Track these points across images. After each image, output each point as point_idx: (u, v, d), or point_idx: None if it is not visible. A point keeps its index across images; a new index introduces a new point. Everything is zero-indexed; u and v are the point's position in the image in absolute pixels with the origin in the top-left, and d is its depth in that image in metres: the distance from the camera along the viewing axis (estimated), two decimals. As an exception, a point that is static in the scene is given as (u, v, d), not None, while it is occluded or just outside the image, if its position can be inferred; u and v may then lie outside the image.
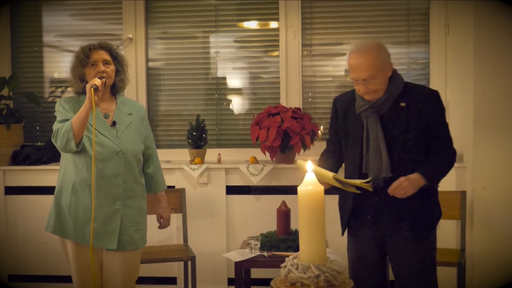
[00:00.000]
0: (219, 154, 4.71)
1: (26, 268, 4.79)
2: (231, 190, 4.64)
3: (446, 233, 4.42)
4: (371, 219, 2.92)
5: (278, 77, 4.84)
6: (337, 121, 3.06)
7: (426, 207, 2.90)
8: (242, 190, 4.64)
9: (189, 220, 4.57)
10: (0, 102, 4.81)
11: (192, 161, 4.61)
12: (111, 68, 3.18)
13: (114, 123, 3.18)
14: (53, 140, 3.08)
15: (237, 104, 4.97)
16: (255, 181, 4.52)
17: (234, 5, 4.92)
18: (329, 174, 2.69)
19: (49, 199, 3.24)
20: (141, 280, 3.86)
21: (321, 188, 1.85)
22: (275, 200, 4.19)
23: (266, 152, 4.50)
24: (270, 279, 1.92)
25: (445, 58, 4.61)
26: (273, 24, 4.89)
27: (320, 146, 3.72)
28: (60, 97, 5.01)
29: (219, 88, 4.96)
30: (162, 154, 4.50)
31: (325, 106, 4.77)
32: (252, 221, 4.55)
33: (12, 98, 4.95)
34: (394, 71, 2.90)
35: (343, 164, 3.09)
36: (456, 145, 4.50)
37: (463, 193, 4.21)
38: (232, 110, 4.96)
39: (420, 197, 2.84)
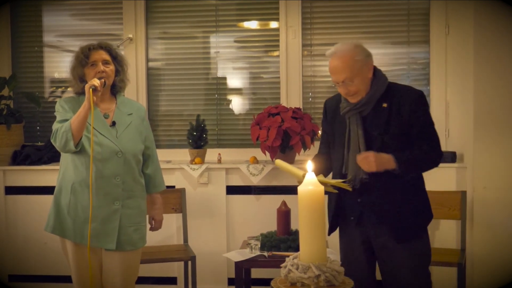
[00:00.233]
0: (219, 154, 4.72)
1: (26, 268, 4.79)
2: (231, 190, 4.64)
3: (447, 233, 4.42)
4: (355, 220, 2.92)
5: (278, 77, 4.84)
6: (326, 123, 3.08)
7: (412, 210, 2.87)
8: (242, 190, 4.64)
9: (189, 220, 4.57)
10: (0, 102, 4.81)
11: (192, 161, 4.61)
12: (111, 68, 3.18)
13: (114, 123, 3.18)
14: (52, 140, 3.09)
15: (237, 104, 4.97)
16: (255, 181, 4.52)
17: (234, 5, 4.92)
18: (299, 173, 2.70)
19: (49, 199, 3.24)
20: (141, 280, 3.86)
21: (321, 188, 1.85)
22: (275, 200, 4.19)
23: (266, 152, 4.50)
24: (270, 279, 1.92)
25: (445, 58, 4.61)
26: (273, 24, 4.89)
27: (320, 146, 3.72)
28: (60, 97, 5.01)
29: (219, 88, 4.96)
30: (162, 154, 4.51)
31: (325, 106, 4.77)
32: (252, 221, 4.55)
33: (13, 98, 4.95)
34: (377, 71, 2.90)
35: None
36: (456, 145, 4.55)
37: (463, 193, 4.21)
38: (232, 110, 4.96)
39: (404, 199, 2.84)
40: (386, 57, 4.78)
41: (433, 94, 4.66)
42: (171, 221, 4.65)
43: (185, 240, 4.49)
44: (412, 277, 2.86)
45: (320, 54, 4.81)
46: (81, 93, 3.18)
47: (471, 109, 4.24)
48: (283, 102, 4.75)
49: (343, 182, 2.71)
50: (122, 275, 3.16)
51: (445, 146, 4.63)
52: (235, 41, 4.96)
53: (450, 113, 4.62)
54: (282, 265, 1.86)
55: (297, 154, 4.52)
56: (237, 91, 4.99)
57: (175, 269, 4.68)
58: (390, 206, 2.84)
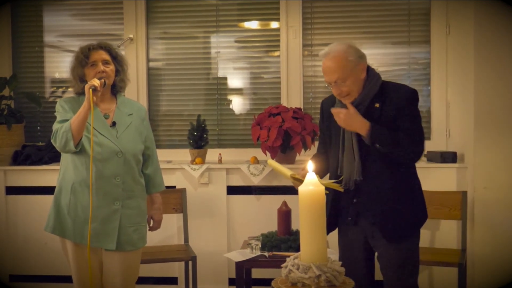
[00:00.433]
0: (220, 154, 4.72)
1: (27, 268, 4.79)
2: (232, 190, 4.64)
3: (447, 233, 4.42)
4: (352, 220, 2.93)
5: (279, 77, 4.84)
6: (323, 123, 3.09)
7: (405, 210, 2.87)
8: (243, 190, 4.64)
9: (190, 220, 4.57)
10: (1, 102, 4.81)
11: (193, 161, 4.61)
12: (111, 68, 3.17)
13: (114, 124, 3.17)
14: (52, 141, 3.08)
15: (238, 104, 4.97)
16: (256, 181, 4.52)
17: (235, 5, 4.92)
18: (287, 173, 2.70)
19: (50, 199, 3.24)
20: (142, 280, 3.86)
21: (322, 188, 1.85)
22: (276, 200, 4.20)
23: (267, 152, 4.50)
24: (271, 279, 1.92)
25: (446, 58, 4.61)
26: (274, 24, 4.89)
27: (321, 146, 3.71)
28: (61, 97, 5.01)
29: (220, 88, 4.96)
30: (163, 154, 4.51)
31: (326, 106, 4.77)
32: (253, 221, 4.55)
33: (13, 98, 4.96)
34: (370, 71, 2.89)
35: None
36: (457, 145, 4.55)
37: (464, 193, 4.21)
38: (233, 110, 4.96)
39: (398, 200, 2.85)
40: (386, 57, 4.78)
41: (434, 94, 4.66)
42: (171, 221, 4.65)
43: (186, 240, 4.49)
44: (404, 273, 2.88)
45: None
46: (81, 93, 3.17)
47: (471, 109, 4.23)
48: (284, 102, 4.75)
49: (334, 183, 2.72)
50: (122, 275, 3.16)
51: (445, 146, 4.63)
52: (236, 41, 4.96)
53: (451, 113, 4.62)
54: (283, 265, 1.86)
55: (297, 154, 4.52)
56: (238, 91, 4.99)
57: (175, 269, 4.68)
58: (383, 207, 2.84)
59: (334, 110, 2.84)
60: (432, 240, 4.46)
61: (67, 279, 3.81)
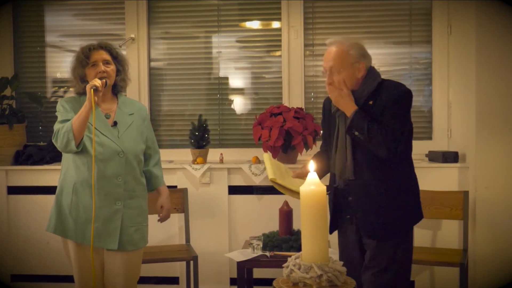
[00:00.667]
0: (221, 154, 4.72)
1: (28, 268, 4.80)
2: (233, 190, 4.64)
3: (449, 233, 4.42)
4: (350, 219, 2.93)
5: (280, 77, 4.84)
6: (324, 122, 3.10)
7: (395, 209, 2.85)
8: (244, 190, 4.64)
9: (191, 220, 4.57)
10: (2, 102, 4.81)
11: (194, 161, 4.62)
12: (112, 68, 3.18)
13: (115, 123, 3.17)
14: (53, 141, 3.09)
15: (239, 104, 4.97)
16: (257, 181, 4.52)
17: (236, 5, 4.92)
18: (270, 175, 2.73)
19: (51, 199, 3.24)
20: (143, 280, 3.87)
21: (323, 188, 1.85)
22: (277, 200, 4.20)
23: (269, 152, 4.50)
24: (273, 279, 1.92)
25: (447, 58, 4.61)
26: (275, 24, 4.89)
27: (322, 146, 3.72)
28: (62, 97, 5.01)
29: (221, 88, 4.96)
30: (164, 154, 4.51)
31: (327, 106, 4.77)
32: (254, 221, 4.55)
33: (15, 98, 4.96)
34: (371, 72, 2.88)
35: None
36: (458, 145, 4.54)
37: (466, 193, 4.21)
38: (234, 110, 4.97)
39: (388, 199, 2.84)
40: (388, 57, 4.78)
41: (435, 94, 4.66)
42: (173, 221, 4.65)
43: (187, 240, 4.50)
44: (393, 273, 2.86)
45: (322, 54, 4.77)
46: (82, 93, 3.17)
47: (473, 109, 4.23)
48: (285, 102, 4.75)
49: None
50: (124, 275, 3.16)
51: (447, 146, 4.63)
52: (237, 41, 4.96)
53: (452, 113, 4.62)
54: (284, 265, 1.86)
55: (299, 154, 4.52)
56: (239, 91, 4.99)
57: (177, 269, 4.68)
58: (374, 205, 2.84)
59: (329, 80, 2.85)
60: (433, 240, 4.45)
61: (69, 279, 3.82)
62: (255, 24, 4.96)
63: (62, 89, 5.12)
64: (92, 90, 2.96)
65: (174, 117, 5.01)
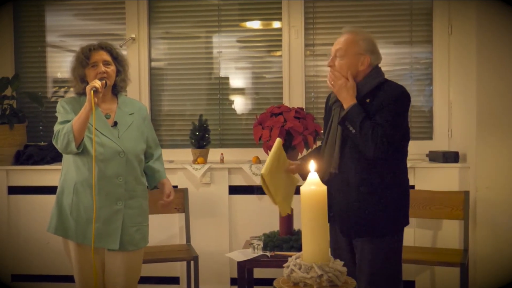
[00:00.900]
0: (221, 154, 4.72)
1: (29, 267, 4.80)
2: (234, 190, 4.64)
3: (449, 233, 4.42)
4: (333, 216, 2.86)
5: (281, 77, 4.84)
6: (325, 115, 3.09)
7: (376, 212, 2.79)
8: (245, 190, 4.64)
9: (192, 220, 4.57)
10: (3, 102, 4.82)
11: (195, 161, 4.62)
12: (112, 68, 3.17)
13: (115, 124, 3.17)
14: (53, 142, 3.08)
15: (239, 104, 4.97)
16: (257, 181, 4.52)
17: (237, 5, 4.92)
18: (264, 169, 2.72)
19: (51, 199, 3.24)
20: (144, 279, 3.87)
21: (324, 188, 1.85)
22: (278, 200, 4.19)
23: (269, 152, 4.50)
24: (273, 279, 1.92)
25: (448, 58, 4.61)
26: (276, 24, 4.89)
27: (322, 146, 3.71)
28: (63, 97, 5.01)
29: (222, 88, 4.96)
30: (165, 154, 4.48)
31: (328, 106, 4.77)
32: (254, 221, 4.55)
33: (15, 98, 4.96)
34: (375, 71, 2.87)
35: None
36: (459, 145, 4.54)
37: (466, 193, 4.21)
38: (235, 110, 4.97)
39: (372, 200, 2.79)
40: (388, 57, 4.77)
41: (436, 94, 4.66)
42: (173, 221, 4.65)
43: (188, 240, 4.50)
44: (379, 275, 2.81)
45: (322, 54, 4.81)
46: (82, 93, 3.17)
47: (473, 109, 4.23)
48: (286, 102, 4.75)
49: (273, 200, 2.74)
50: (124, 275, 3.16)
51: (447, 146, 4.63)
52: (238, 41, 4.96)
53: (453, 113, 4.61)
54: (285, 265, 1.86)
55: (299, 154, 4.52)
56: (240, 91, 4.99)
57: (177, 269, 4.68)
58: (352, 203, 2.80)
59: (332, 75, 2.85)
60: (434, 240, 4.45)
61: (69, 278, 3.82)
62: (255, 24, 4.96)
63: (62, 89, 5.12)
64: (92, 91, 2.95)
65: (174, 117, 5.01)
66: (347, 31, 2.91)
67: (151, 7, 4.95)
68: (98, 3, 5.01)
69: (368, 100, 2.81)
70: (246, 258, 3.80)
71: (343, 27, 3.00)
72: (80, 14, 5.04)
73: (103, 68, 3.13)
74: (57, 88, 5.14)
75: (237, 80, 4.98)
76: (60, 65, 5.10)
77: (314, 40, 4.81)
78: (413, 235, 4.44)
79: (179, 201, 4.49)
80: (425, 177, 4.44)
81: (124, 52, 4.59)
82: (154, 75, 5.00)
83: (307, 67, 4.81)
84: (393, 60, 4.77)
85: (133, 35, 4.90)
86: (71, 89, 3.27)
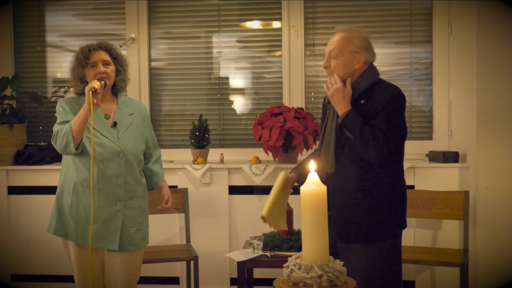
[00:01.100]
0: (221, 154, 4.72)
1: (29, 267, 4.80)
2: (234, 190, 4.64)
3: (449, 233, 4.42)
4: (330, 216, 2.75)
5: (281, 77, 4.84)
6: (322, 115, 3.05)
7: (371, 212, 2.76)
8: (245, 190, 4.64)
9: (191, 220, 4.57)
10: (3, 102, 4.82)
11: (194, 161, 4.61)
12: (111, 68, 3.17)
13: (115, 124, 3.17)
14: (52, 142, 3.08)
15: (239, 104, 4.97)
16: (257, 181, 4.52)
17: (237, 5, 4.92)
18: (265, 211, 2.66)
19: (51, 199, 3.24)
20: (144, 280, 3.87)
21: (324, 188, 1.85)
22: (278, 200, 4.19)
23: (269, 152, 4.50)
24: (273, 279, 1.91)
25: (448, 58, 4.61)
26: (276, 24, 4.89)
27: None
28: (63, 96, 5.01)
29: (222, 88, 4.96)
30: (165, 154, 4.50)
31: (328, 106, 4.77)
32: (254, 221, 4.53)
33: (15, 98, 4.96)
34: (370, 70, 2.85)
35: None
36: (459, 145, 4.54)
37: (466, 193, 4.20)
38: (234, 110, 4.96)
39: (373, 205, 2.76)
40: (388, 57, 4.77)
41: (436, 94, 4.66)
42: (173, 221, 4.65)
43: (188, 240, 4.50)
44: (370, 283, 2.73)
45: (322, 54, 4.80)
46: (81, 93, 3.17)
47: (474, 109, 4.23)
48: (286, 102, 4.75)
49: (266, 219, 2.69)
50: (124, 275, 3.16)
51: (447, 146, 4.63)
52: (238, 41, 4.96)
53: (453, 113, 4.61)
54: (285, 265, 1.86)
55: (299, 154, 4.52)
56: (240, 91, 4.99)
57: (177, 269, 4.68)
58: (344, 204, 2.78)
59: (330, 81, 2.82)
60: (434, 240, 4.45)
61: (69, 278, 3.82)
62: (255, 24, 4.96)
63: (62, 89, 5.12)
64: (90, 92, 2.95)
65: (174, 117, 5.01)
66: (340, 30, 2.89)
67: (151, 7, 4.95)
68: (98, 3, 5.01)
69: (362, 101, 2.78)
70: (246, 258, 3.79)
71: (335, 27, 2.99)
72: (80, 14, 5.04)
73: (102, 68, 3.12)
74: (57, 88, 5.14)
75: (237, 80, 4.98)
76: (60, 65, 5.10)
77: (314, 40, 4.81)
78: (413, 235, 4.44)
79: (179, 201, 4.49)
80: (425, 177, 4.44)
81: (124, 52, 4.60)
82: (154, 75, 5.00)
83: (307, 67, 4.81)
84: (393, 60, 4.77)
85: (133, 35, 4.90)
86: (71, 89, 3.26)
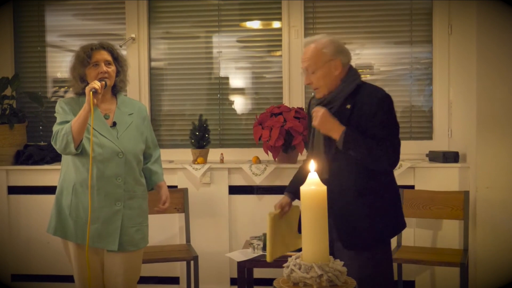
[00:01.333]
0: (221, 154, 4.72)
1: (29, 267, 4.80)
2: (234, 190, 4.64)
3: (449, 233, 4.42)
4: None
5: (281, 77, 4.84)
6: (308, 121, 3.04)
7: (368, 217, 2.75)
8: (245, 190, 4.64)
9: (191, 220, 4.57)
10: (3, 102, 4.81)
11: (194, 161, 4.61)
12: (112, 68, 3.17)
13: (114, 124, 3.17)
14: (52, 143, 3.07)
15: (239, 104, 4.97)
16: (257, 181, 4.52)
17: (237, 5, 4.92)
18: (269, 257, 2.77)
19: (51, 199, 3.24)
20: (144, 279, 3.87)
21: (324, 188, 1.85)
22: (278, 200, 4.18)
23: (269, 152, 4.50)
24: (273, 279, 1.91)
25: (448, 58, 4.61)
26: (276, 24, 4.89)
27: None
28: (63, 96, 5.01)
29: (222, 88, 4.96)
30: (165, 154, 4.51)
31: (328, 106, 4.76)
32: (254, 221, 4.55)
33: (15, 98, 4.96)
34: (351, 72, 2.84)
35: None
36: (459, 145, 4.54)
37: (466, 193, 4.21)
38: (234, 110, 4.96)
39: (362, 204, 2.75)
40: (388, 57, 4.77)
41: (436, 94, 4.66)
42: (173, 221, 4.65)
43: (188, 240, 4.49)
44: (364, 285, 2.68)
45: (322, 54, 4.80)
46: (81, 93, 3.16)
47: (474, 109, 4.23)
48: (286, 102, 4.75)
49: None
50: (124, 275, 3.16)
51: (447, 146, 4.63)
52: (238, 41, 4.96)
53: (453, 113, 4.61)
54: (285, 265, 1.86)
55: (299, 154, 4.52)
56: (240, 91, 4.99)
57: (177, 269, 4.68)
58: (346, 210, 2.75)
59: (313, 111, 2.81)
60: (434, 240, 4.45)
61: (69, 278, 3.82)
62: (255, 24, 4.96)
63: (62, 89, 5.12)
64: (91, 92, 2.95)
65: (174, 117, 5.01)
66: (308, 42, 2.86)
67: (151, 7, 4.95)
68: (98, 3, 5.01)
69: (348, 106, 2.76)
70: (246, 258, 3.79)
71: (304, 39, 2.96)
72: (80, 14, 5.04)
73: (104, 68, 3.12)
74: (57, 88, 5.14)
75: (237, 80, 4.98)
76: (60, 65, 5.10)
77: (314, 40, 4.80)
78: (413, 235, 4.44)
79: (179, 201, 4.49)
80: (425, 177, 4.44)
81: (124, 52, 4.60)
82: (154, 75, 5.00)
83: (307, 67, 4.80)
84: (393, 60, 4.77)
85: (133, 35, 4.90)
86: (71, 89, 3.26)
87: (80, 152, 3.04)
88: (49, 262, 4.74)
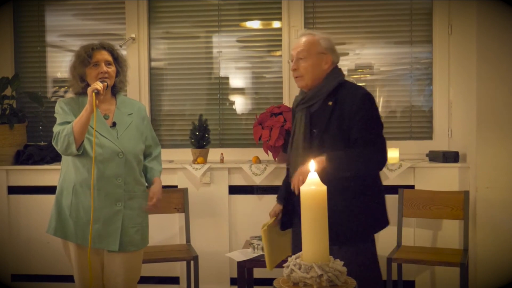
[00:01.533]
0: (221, 154, 4.72)
1: (29, 267, 4.80)
2: (234, 190, 4.64)
3: (449, 233, 4.42)
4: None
5: (281, 77, 4.84)
6: (293, 121, 3.03)
7: (350, 214, 2.75)
8: (245, 190, 4.64)
9: (191, 219, 4.57)
10: (3, 102, 4.82)
11: (194, 161, 4.61)
12: (113, 69, 3.17)
13: (114, 124, 3.17)
14: (53, 143, 3.07)
15: (239, 103, 4.97)
16: (257, 181, 4.52)
17: (237, 5, 4.92)
18: (268, 266, 2.86)
19: (51, 199, 3.24)
20: (144, 279, 3.86)
21: (324, 188, 1.85)
22: (278, 200, 4.19)
23: (269, 152, 4.50)
24: (273, 279, 1.92)
25: (448, 58, 4.61)
26: (276, 24, 4.89)
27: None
28: (63, 96, 5.01)
29: (222, 88, 4.96)
30: (165, 154, 4.49)
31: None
32: (254, 221, 4.54)
33: (15, 98, 4.96)
34: (335, 71, 2.88)
35: None
36: (459, 145, 4.55)
37: (466, 193, 4.21)
38: (234, 110, 4.97)
39: (344, 202, 2.74)
40: (388, 56, 4.77)
41: (436, 93, 4.66)
42: (173, 221, 4.65)
43: (188, 239, 4.49)
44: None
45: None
46: (81, 93, 3.16)
47: (474, 109, 4.23)
48: (286, 102, 4.75)
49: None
50: (124, 275, 3.16)
51: (447, 146, 4.63)
52: (238, 41, 4.96)
53: (453, 113, 4.61)
54: (285, 265, 1.86)
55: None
56: (240, 90, 4.99)
57: (177, 269, 4.68)
58: (334, 208, 2.76)
59: (292, 183, 2.78)
60: (434, 240, 4.45)
61: (69, 278, 3.82)
62: (255, 24, 4.96)
63: (62, 89, 5.12)
64: (93, 93, 2.94)
65: (174, 117, 5.01)
66: (304, 33, 2.92)
67: (151, 7, 4.95)
68: (98, 3, 5.01)
69: (330, 103, 2.79)
70: (246, 258, 3.80)
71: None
72: (80, 14, 5.04)
73: (105, 68, 3.12)
74: (57, 88, 5.14)
75: (237, 80, 4.98)
76: (60, 65, 5.10)
77: (314, 40, 4.80)
78: (413, 235, 4.45)
79: (179, 201, 4.50)
80: (425, 177, 4.44)
81: (124, 52, 4.60)
82: (154, 75, 5.00)
83: (307, 67, 4.80)
84: (393, 60, 4.77)
85: (133, 35, 4.90)
86: (71, 89, 3.26)
87: (81, 153, 3.04)
88: (49, 262, 4.74)
